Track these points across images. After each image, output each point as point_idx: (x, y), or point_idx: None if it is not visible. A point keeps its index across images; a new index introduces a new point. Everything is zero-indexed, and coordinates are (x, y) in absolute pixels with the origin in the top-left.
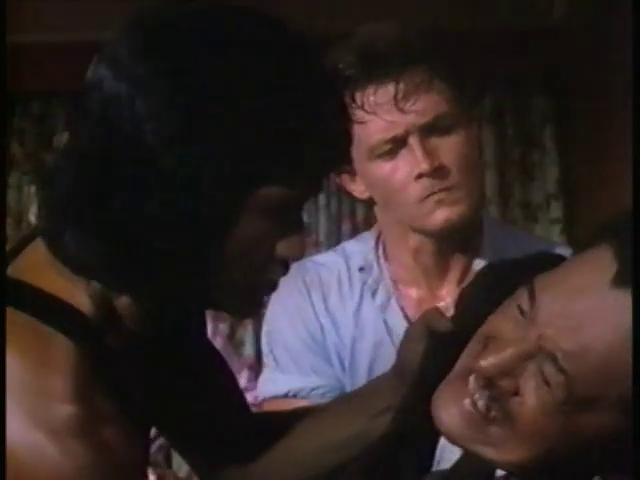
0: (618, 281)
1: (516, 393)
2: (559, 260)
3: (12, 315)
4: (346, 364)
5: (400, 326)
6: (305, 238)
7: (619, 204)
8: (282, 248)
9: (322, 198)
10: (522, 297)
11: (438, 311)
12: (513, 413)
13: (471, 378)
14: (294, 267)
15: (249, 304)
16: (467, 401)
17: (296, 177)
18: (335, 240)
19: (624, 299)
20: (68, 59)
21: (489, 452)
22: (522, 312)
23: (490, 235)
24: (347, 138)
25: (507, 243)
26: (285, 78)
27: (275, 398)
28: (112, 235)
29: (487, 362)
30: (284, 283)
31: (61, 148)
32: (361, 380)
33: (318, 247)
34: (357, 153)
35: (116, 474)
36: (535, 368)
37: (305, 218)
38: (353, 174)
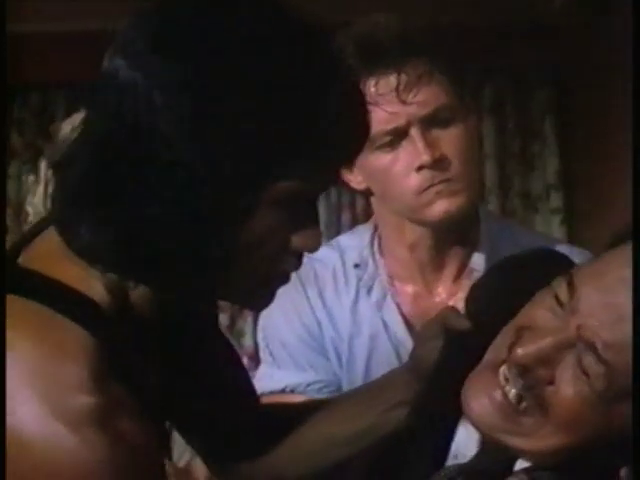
0: None
1: (551, 382)
2: (563, 259)
3: (26, 304)
4: (344, 359)
5: (396, 323)
6: (319, 230)
7: (619, 195)
8: (297, 241)
9: None
10: (560, 288)
11: (455, 310)
12: (547, 402)
13: (502, 369)
14: None
15: (262, 296)
16: (498, 392)
17: (311, 170)
18: (335, 230)
19: None
20: (68, 49)
21: (519, 442)
22: (560, 302)
23: (487, 229)
24: (364, 130)
25: (503, 237)
26: (302, 70)
27: (272, 393)
28: (127, 226)
29: (524, 351)
30: None
31: (76, 137)
32: (358, 375)
33: None
34: None
35: (133, 463)
36: (574, 358)
37: None
38: (351, 165)
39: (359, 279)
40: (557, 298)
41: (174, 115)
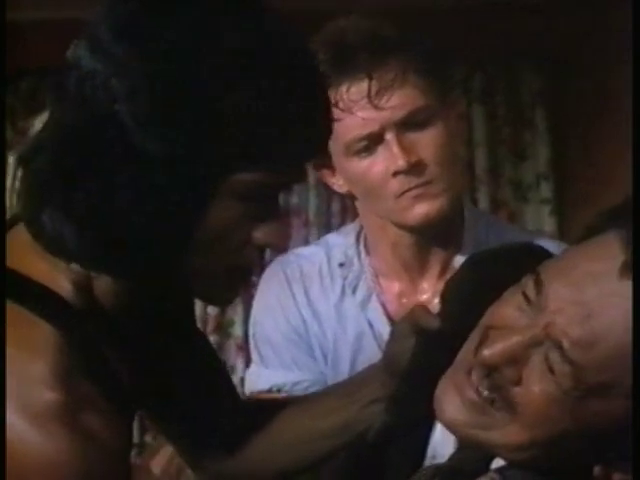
0: (627, 270)
1: (519, 381)
2: (542, 252)
3: None
4: (329, 358)
5: (381, 322)
6: (283, 226)
7: (610, 185)
8: (259, 235)
9: (312, 178)
10: (527, 285)
11: (425, 309)
12: (516, 401)
13: (474, 369)
14: (276, 260)
15: (224, 291)
16: (471, 392)
17: (272, 164)
18: (325, 220)
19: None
20: (60, 37)
21: (492, 435)
22: (528, 300)
23: (471, 227)
24: (327, 126)
25: (489, 235)
26: (265, 63)
27: (260, 393)
28: (87, 216)
29: (491, 350)
30: (266, 276)
31: (40, 129)
32: (344, 374)
33: (308, 227)
34: (334, 149)
35: (99, 459)
36: (541, 356)
37: (295, 198)
38: (333, 169)
39: (344, 278)
40: (525, 295)
41: (133, 104)
